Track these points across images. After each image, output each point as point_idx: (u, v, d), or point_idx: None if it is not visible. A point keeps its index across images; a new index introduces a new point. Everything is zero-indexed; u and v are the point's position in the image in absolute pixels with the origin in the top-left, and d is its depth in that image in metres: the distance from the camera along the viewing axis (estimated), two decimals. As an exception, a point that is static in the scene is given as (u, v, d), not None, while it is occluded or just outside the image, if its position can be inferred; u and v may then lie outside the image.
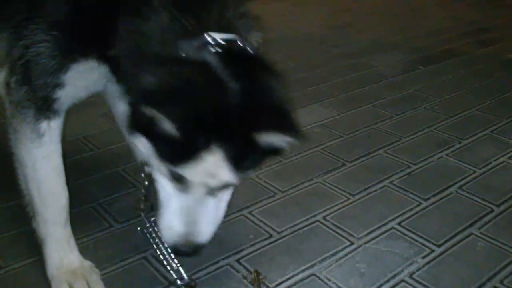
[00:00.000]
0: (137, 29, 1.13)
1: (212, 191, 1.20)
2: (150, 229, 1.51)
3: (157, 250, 1.46)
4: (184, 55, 1.08)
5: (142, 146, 1.15)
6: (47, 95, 1.24)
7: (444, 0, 4.96)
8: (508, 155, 2.14)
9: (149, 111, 1.02)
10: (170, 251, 1.43)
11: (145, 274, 1.46)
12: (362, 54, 3.35)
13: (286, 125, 1.09)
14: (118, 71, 1.23)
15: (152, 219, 1.50)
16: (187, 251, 1.24)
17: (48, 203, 1.34)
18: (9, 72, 1.27)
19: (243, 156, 1.13)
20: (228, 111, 1.05)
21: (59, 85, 1.23)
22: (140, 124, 1.10)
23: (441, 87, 2.85)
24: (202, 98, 1.04)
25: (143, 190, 1.56)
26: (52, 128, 1.27)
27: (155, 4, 1.12)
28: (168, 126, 1.03)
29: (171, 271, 1.42)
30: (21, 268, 1.47)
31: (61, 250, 1.39)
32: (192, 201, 1.20)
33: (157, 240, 1.47)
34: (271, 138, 1.09)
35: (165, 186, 1.22)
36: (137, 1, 1.14)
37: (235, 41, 1.12)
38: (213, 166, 1.10)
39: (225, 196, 1.26)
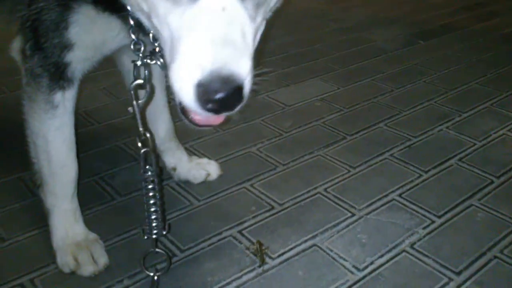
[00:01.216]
0: None
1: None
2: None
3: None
4: None
5: None
6: (57, 60, 1.23)
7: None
8: (508, 128, 2.15)
9: None
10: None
11: (147, 245, 1.47)
12: (361, 29, 3.33)
13: None
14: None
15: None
16: (222, 93, 0.86)
17: (57, 175, 1.35)
18: (23, 38, 1.26)
19: None
20: None
21: (66, 46, 1.21)
22: None
23: (441, 61, 2.84)
24: None
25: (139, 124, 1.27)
26: (66, 99, 1.28)
27: None
28: None
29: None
30: (25, 240, 1.48)
31: (67, 222, 1.40)
32: (214, 6, 0.86)
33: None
34: None
35: (165, 15, 0.91)
36: None
37: None
38: None
39: (260, 17, 0.97)
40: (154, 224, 1.28)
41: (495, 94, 2.44)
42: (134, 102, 1.21)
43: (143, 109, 1.57)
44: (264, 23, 1.01)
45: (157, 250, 1.32)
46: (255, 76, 0.98)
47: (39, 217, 1.48)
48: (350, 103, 2.33)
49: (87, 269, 1.35)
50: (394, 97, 2.40)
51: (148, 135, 1.25)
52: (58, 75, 1.25)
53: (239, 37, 0.87)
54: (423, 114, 2.25)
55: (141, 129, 1.23)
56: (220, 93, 0.85)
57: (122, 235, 1.51)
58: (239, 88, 0.87)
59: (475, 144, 2.03)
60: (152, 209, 1.27)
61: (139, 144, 1.24)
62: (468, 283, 1.37)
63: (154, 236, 1.29)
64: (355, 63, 2.79)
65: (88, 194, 1.64)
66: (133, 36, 1.16)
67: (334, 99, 2.37)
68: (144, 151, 1.24)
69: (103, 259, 1.38)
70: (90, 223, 1.49)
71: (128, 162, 1.85)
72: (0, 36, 2.33)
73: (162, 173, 1.75)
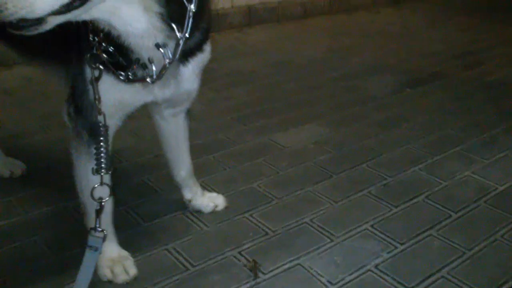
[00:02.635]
0: None
1: None
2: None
3: None
4: None
5: None
6: (93, 121, 1.57)
7: (437, 24, 5.36)
8: (472, 170, 2.52)
9: None
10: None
11: (167, 262, 1.87)
12: (356, 77, 3.75)
13: None
14: None
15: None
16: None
17: (95, 205, 1.67)
18: (68, 103, 1.64)
19: None
20: None
21: (96, 108, 1.52)
22: None
23: (423, 108, 3.24)
24: None
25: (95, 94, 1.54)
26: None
27: None
28: None
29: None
30: (71, 256, 1.88)
31: (105, 243, 1.78)
32: None
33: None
34: None
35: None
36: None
37: None
38: None
39: None
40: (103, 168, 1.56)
41: (466, 140, 2.82)
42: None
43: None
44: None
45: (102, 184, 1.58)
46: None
47: (83, 238, 1.88)
48: (339, 145, 2.73)
49: (121, 279, 1.75)
50: (377, 141, 2.80)
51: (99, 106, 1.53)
52: (95, 132, 1.58)
53: None
54: (400, 156, 2.64)
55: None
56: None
57: (147, 253, 1.90)
58: None
59: (441, 183, 2.40)
60: (103, 158, 1.55)
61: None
62: (417, 296, 1.75)
63: (102, 172, 1.56)
64: (347, 109, 3.20)
65: (120, 220, 2.03)
66: None
67: (325, 142, 2.77)
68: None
69: (133, 271, 1.77)
70: (122, 243, 1.88)
71: (151, 194, 2.26)
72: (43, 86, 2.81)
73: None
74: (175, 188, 2.17)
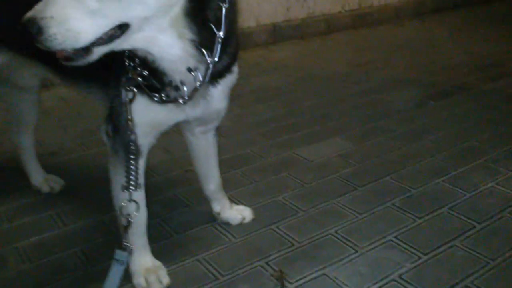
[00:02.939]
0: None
1: None
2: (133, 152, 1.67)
3: None
4: None
5: None
6: (129, 139, 1.68)
7: (461, 36, 5.38)
8: (496, 181, 2.55)
9: None
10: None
11: (198, 272, 1.96)
12: (380, 90, 3.81)
13: None
14: None
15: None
16: (26, 24, 1.28)
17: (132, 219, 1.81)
18: (106, 123, 1.76)
19: None
20: None
21: (132, 129, 1.64)
22: None
23: (447, 120, 3.28)
24: None
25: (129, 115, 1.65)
26: (138, 166, 1.73)
27: None
28: None
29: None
30: (109, 266, 1.98)
31: (140, 253, 1.88)
32: None
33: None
34: None
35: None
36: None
37: None
38: None
39: (90, 2, 1.29)
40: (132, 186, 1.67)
41: (490, 151, 2.85)
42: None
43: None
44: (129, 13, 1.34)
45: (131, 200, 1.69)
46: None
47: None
48: (363, 158, 2.79)
49: (155, 287, 1.85)
50: (401, 154, 2.85)
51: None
52: (131, 151, 1.67)
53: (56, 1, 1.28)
54: (424, 168, 2.69)
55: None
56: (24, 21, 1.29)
57: (179, 263, 2.00)
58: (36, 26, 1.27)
59: (465, 195, 2.44)
60: (132, 176, 1.67)
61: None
62: (440, 304, 1.80)
63: (131, 189, 1.67)
64: (371, 123, 3.26)
65: (153, 232, 2.13)
66: None
67: (349, 155, 2.84)
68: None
69: (166, 280, 1.87)
70: (155, 253, 1.98)
71: (182, 208, 2.36)
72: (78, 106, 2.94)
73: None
74: (205, 201, 2.27)
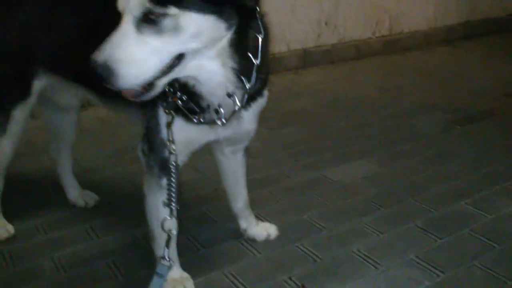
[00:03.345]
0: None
1: (139, 25, 1.41)
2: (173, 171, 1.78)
3: None
4: None
5: None
6: (162, 156, 1.81)
7: (490, 62, 5.40)
8: (518, 205, 2.59)
9: None
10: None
11: (224, 285, 2.05)
12: (406, 115, 3.87)
13: None
14: None
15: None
16: (95, 69, 1.41)
17: (163, 234, 1.88)
18: (142, 141, 1.88)
19: None
20: None
21: (165, 145, 1.76)
22: None
23: (473, 145, 3.32)
24: None
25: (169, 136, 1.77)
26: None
27: None
28: None
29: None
30: (141, 276, 2.10)
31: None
32: (121, 30, 1.42)
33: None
34: None
35: None
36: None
37: None
38: None
39: (156, 41, 1.42)
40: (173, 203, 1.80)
41: (514, 176, 2.88)
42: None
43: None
44: (187, 45, 1.48)
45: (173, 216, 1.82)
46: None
47: (149, 261, 2.10)
48: (388, 180, 2.86)
49: (182, 298, 1.95)
50: (426, 177, 2.90)
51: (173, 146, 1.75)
52: (164, 166, 1.81)
53: (119, 44, 1.42)
54: (448, 191, 2.73)
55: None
56: (92, 64, 1.42)
57: (205, 275, 2.09)
58: (105, 70, 1.41)
59: (487, 217, 2.48)
60: (173, 194, 1.79)
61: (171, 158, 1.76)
62: (457, 322, 1.84)
63: (172, 206, 1.80)
64: (397, 146, 3.32)
65: (182, 246, 2.21)
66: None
67: (375, 177, 2.90)
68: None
69: (192, 291, 1.98)
70: (183, 266, 2.07)
71: (210, 223, 2.47)
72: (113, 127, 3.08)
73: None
74: (232, 218, 2.37)
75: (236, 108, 1.69)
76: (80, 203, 2.66)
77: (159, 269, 1.82)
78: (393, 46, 5.87)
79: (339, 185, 2.84)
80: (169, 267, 1.83)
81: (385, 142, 3.39)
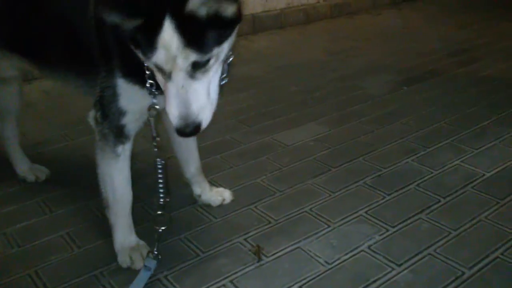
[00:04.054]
0: None
1: (191, 74, 1.49)
2: (160, 166, 1.91)
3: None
4: None
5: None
6: (117, 124, 1.80)
7: (436, 23, 5.53)
8: (462, 159, 2.70)
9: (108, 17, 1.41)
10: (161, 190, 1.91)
11: (180, 250, 2.07)
12: (355, 77, 3.94)
13: None
14: None
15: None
16: (187, 131, 1.55)
17: (118, 200, 1.93)
18: (95, 109, 1.85)
19: (188, 28, 1.41)
20: None
21: (120, 113, 1.78)
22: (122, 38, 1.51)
23: (419, 104, 3.42)
24: None
25: (153, 132, 1.86)
26: (126, 150, 1.85)
27: None
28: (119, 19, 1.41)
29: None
30: (95, 247, 2.10)
31: (125, 233, 1.99)
32: (177, 86, 1.50)
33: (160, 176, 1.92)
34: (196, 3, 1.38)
35: (161, 81, 1.57)
36: None
37: None
38: (166, 42, 1.41)
39: (208, 78, 1.53)
40: (161, 196, 1.91)
41: (457, 131, 3.00)
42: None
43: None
44: (220, 65, 1.62)
45: (161, 212, 1.93)
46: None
47: (105, 231, 2.10)
48: (338, 142, 2.92)
49: (139, 265, 1.96)
50: (374, 136, 2.99)
51: (158, 138, 1.87)
52: (119, 134, 1.83)
53: (191, 99, 1.52)
54: (395, 149, 2.83)
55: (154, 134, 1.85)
56: (186, 131, 1.56)
57: (162, 242, 2.09)
58: (195, 125, 1.56)
59: (432, 172, 2.59)
60: (160, 186, 1.91)
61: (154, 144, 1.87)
62: (405, 271, 1.93)
63: (161, 202, 1.92)
64: (347, 108, 3.39)
65: (137, 215, 2.21)
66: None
67: (325, 139, 2.97)
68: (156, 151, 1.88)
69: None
70: (140, 235, 2.06)
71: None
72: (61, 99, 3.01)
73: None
74: (186, 185, 2.38)
75: None
76: (30, 177, 2.60)
77: (147, 262, 1.89)
78: (340, 10, 5.91)
79: (290, 148, 2.89)
80: (158, 261, 1.91)
81: (334, 105, 3.45)
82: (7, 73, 2.33)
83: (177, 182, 2.44)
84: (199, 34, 1.43)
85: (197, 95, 1.52)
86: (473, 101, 3.43)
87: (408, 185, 2.48)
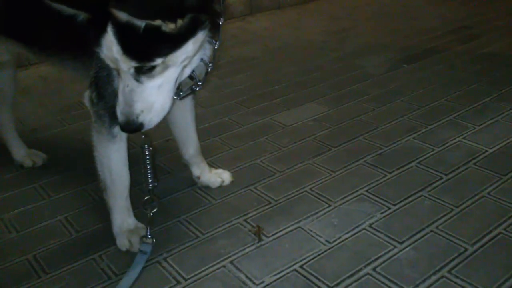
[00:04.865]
0: None
1: (135, 77, 1.50)
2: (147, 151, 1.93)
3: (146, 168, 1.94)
4: None
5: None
6: (114, 104, 1.72)
7: (436, 1, 5.45)
8: (463, 136, 2.67)
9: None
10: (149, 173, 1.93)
11: (180, 232, 2.06)
12: (355, 56, 3.90)
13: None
14: None
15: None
16: (127, 128, 1.59)
17: (115, 182, 1.91)
18: (91, 90, 1.82)
19: (126, 36, 1.41)
20: None
21: (116, 94, 1.71)
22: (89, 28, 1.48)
23: (419, 82, 3.38)
24: None
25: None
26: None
27: None
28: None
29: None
30: (94, 230, 2.08)
31: (123, 215, 1.97)
32: (123, 83, 1.53)
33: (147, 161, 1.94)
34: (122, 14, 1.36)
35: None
36: None
37: None
38: (108, 44, 1.43)
39: (154, 82, 1.52)
40: (149, 181, 1.93)
41: (458, 108, 2.96)
42: None
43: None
44: (180, 67, 1.58)
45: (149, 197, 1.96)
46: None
47: (103, 215, 2.08)
48: (338, 121, 2.89)
49: (138, 248, 1.94)
50: (374, 115, 2.95)
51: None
52: (115, 115, 1.76)
53: (134, 99, 1.55)
54: (395, 127, 2.80)
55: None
56: (122, 125, 1.61)
57: (161, 225, 2.09)
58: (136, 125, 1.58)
59: (433, 149, 2.56)
60: (148, 171, 1.93)
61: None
62: (407, 249, 1.91)
63: (150, 187, 1.95)
64: (346, 87, 3.35)
65: (136, 198, 2.20)
66: None
67: (324, 119, 2.93)
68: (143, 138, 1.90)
69: (148, 240, 1.96)
70: (139, 218, 2.05)
71: (164, 175, 2.45)
72: (57, 84, 2.97)
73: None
74: (185, 167, 2.36)
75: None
76: (28, 162, 2.57)
77: (142, 246, 1.90)
78: (339, -11, 5.82)
79: (290, 128, 2.86)
80: (152, 245, 1.91)
81: (334, 84, 3.41)
82: (2, 58, 2.30)
83: (178, 165, 2.42)
84: (137, 44, 1.43)
85: (141, 97, 1.54)
86: (474, 78, 3.39)
87: (410, 162, 2.46)
